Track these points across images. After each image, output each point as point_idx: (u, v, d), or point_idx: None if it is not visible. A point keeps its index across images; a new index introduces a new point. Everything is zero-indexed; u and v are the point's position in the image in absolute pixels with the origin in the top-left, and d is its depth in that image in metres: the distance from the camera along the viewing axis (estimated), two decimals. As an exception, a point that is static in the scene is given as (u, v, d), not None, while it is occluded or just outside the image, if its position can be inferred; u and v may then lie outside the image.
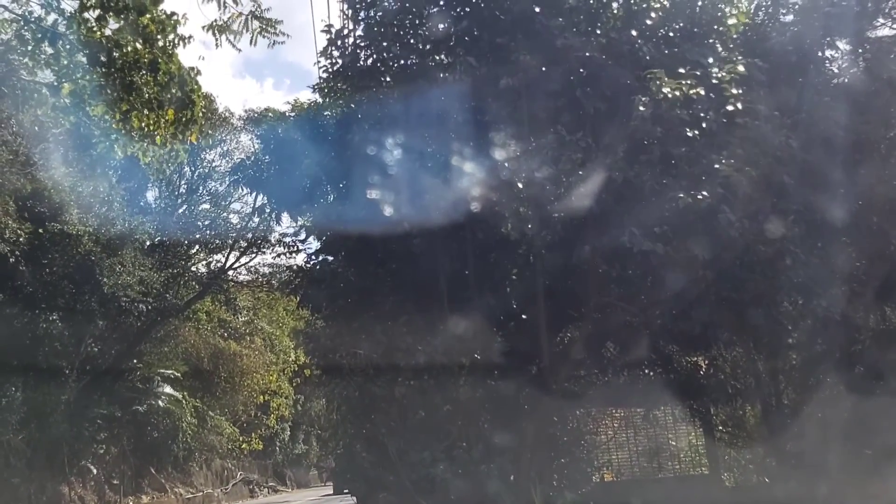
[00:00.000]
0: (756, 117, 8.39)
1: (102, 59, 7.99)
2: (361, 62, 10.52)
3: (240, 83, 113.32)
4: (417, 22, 10.08)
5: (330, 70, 10.79)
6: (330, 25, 10.52)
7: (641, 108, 8.14)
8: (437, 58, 10.19)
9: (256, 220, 23.93)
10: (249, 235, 25.87)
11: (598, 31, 9.29)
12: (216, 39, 8.41)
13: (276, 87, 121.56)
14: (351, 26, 10.76)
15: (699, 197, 7.90)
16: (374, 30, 10.27)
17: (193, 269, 26.94)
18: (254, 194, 18.23)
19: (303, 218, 11.41)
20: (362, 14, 10.58)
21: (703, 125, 8.37)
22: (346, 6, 10.73)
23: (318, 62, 10.77)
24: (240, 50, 8.83)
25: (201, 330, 27.56)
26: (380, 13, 10.28)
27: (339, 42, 10.58)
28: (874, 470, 9.90)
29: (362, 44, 10.48)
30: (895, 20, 10.46)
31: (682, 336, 10.72)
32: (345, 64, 10.61)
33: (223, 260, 27.07)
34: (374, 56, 10.44)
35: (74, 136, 15.18)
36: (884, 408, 9.68)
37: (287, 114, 11.09)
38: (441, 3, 10.07)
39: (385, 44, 10.25)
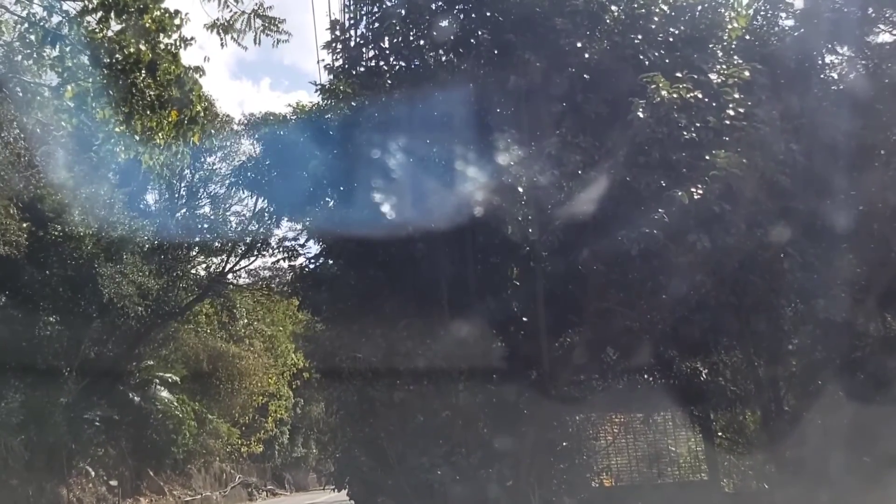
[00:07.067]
0: (756, 121, 8.38)
1: (105, 60, 7.97)
2: (364, 61, 10.51)
3: (236, 85, 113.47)
4: (419, 21, 10.08)
5: (332, 68, 10.79)
6: (336, 21, 10.53)
7: (640, 112, 8.16)
8: (440, 58, 10.19)
9: (256, 223, 23.95)
10: (249, 239, 25.83)
11: (601, 36, 9.30)
12: (221, 39, 8.30)
13: (274, 87, 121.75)
14: (354, 23, 10.76)
15: (697, 195, 7.88)
16: (376, 27, 10.27)
17: (193, 271, 26.89)
18: (254, 197, 18.25)
19: (303, 221, 11.40)
20: (364, 9, 10.58)
21: (703, 128, 8.37)
22: (349, 2, 10.75)
23: (322, 60, 10.78)
24: (245, 48, 8.74)
25: (201, 332, 27.53)
26: (382, 10, 10.28)
27: (342, 38, 10.57)
28: (874, 477, 9.86)
29: (365, 40, 10.46)
30: (895, 26, 10.46)
31: (683, 341, 10.71)
32: (347, 60, 10.59)
33: (223, 263, 27.04)
34: (377, 54, 10.44)
35: (76, 138, 15.17)
36: (884, 415, 9.64)
37: (288, 117, 11.07)
38: (444, 2, 10.08)
39: (387, 42, 10.24)
